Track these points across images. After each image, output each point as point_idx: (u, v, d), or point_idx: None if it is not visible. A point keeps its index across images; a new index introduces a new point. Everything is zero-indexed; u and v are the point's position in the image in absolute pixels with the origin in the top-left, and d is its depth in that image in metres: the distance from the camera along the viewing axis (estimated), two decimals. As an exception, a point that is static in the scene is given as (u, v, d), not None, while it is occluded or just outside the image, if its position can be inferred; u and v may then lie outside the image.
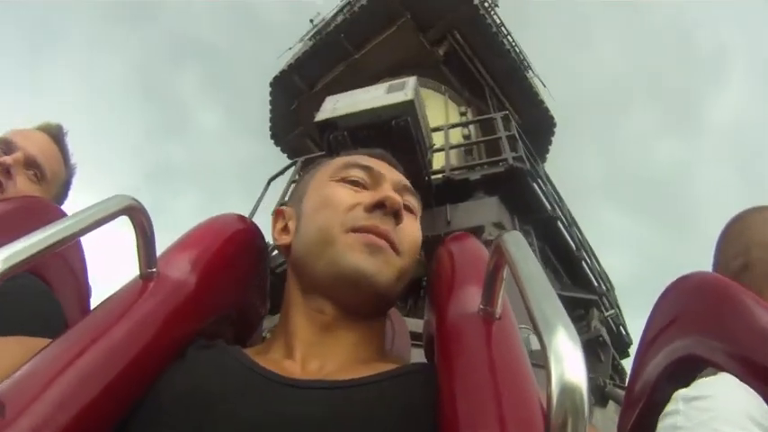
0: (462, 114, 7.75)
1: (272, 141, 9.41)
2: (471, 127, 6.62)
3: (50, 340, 0.61)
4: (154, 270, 0.70)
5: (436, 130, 5.37)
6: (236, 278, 0.85)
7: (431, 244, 0.92)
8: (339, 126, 4.04)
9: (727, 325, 0.71)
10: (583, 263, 5.08)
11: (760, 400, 0.67)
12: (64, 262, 1.05)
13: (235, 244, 0.87)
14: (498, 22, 9.75)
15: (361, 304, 0.77)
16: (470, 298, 0.67)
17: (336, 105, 4.19)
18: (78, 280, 1.08)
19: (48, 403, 0.51)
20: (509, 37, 9.73)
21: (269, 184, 5.76)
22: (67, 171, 1.41)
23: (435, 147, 4.87)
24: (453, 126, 5.90)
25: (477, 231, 4.09)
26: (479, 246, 0.85)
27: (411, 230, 0.83)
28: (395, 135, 3.95)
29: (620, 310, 5.55)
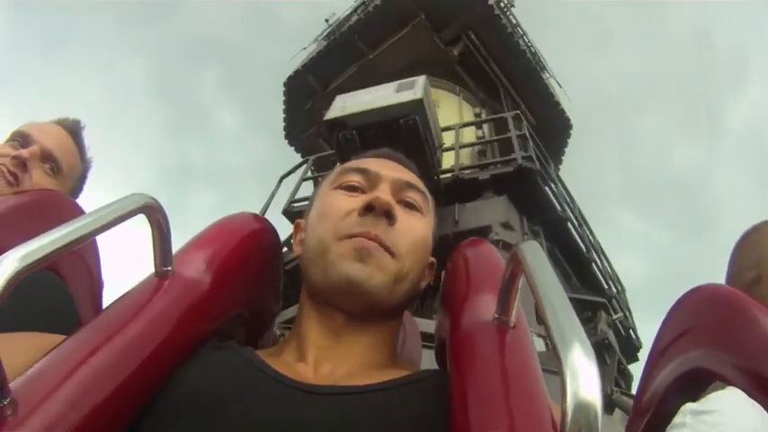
0: (477, 116, 7.76)
1: (286, 141, 9.54)
2: (486, 128, 6.65)
3: (64, 336, 0.61)
4: (169, 268, 0.70)
5: (447, 129, 5.41)
6: (250, 277, 0.85)
7: (438, 244, 0.92)
8: (348, 125, 4.09)
9: (738, 339, 0.71)
10: (593, 264, 5.04)
11: (767, 415, 0.67)
12: (78, 256, 1.05)
13: (249, 243, 0.87)
14: (514, 22, 9.69)
15: (362, 311, 0.77)
16: (485, 306, 0.67)
17: (346, 104, 4.24)
18: (92, 274, 1.09)
19: (60, 401, 0.51)
20: (525, 37, 9.64)
21: (280, 182, 5.84)
22: (83, 165, 1.41)
23: (445, 146, 4.92)
24: (464, 125, 5.91)
25: (484, 231, 4.11)
26: (495, 252, 0.84)
27: (410, 229, 0.81)
28: (403, 134, 3.99)
29: (630, 312, 5.51)
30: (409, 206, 0.84)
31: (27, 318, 0.75)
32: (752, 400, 0.68)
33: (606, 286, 5.10)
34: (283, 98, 9.28)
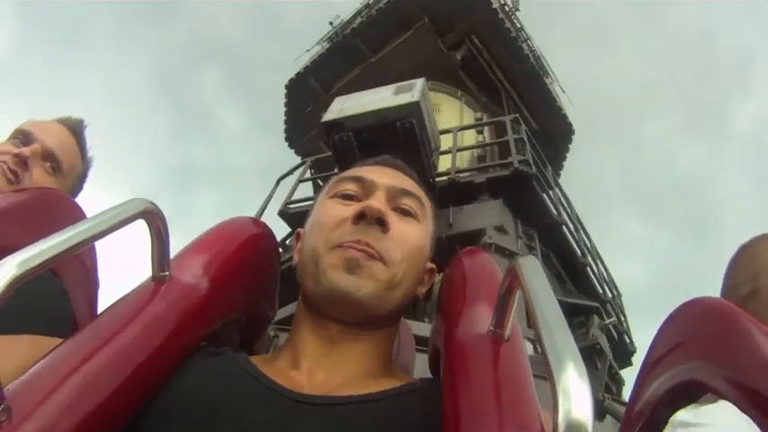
0: (478, 120, 7.82)
1: (287, 144, 9.58)
2: (487, 132, 6.71)
3: (60, 339, 0.62)
4: (166, 273, 0.70)
5: (446, 132, 5.47)
6: (247, 282, 0.85)
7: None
8: (345, 127, 4.12)
9: (731, 353, 0.71)
10: (588, 269, 5.06)
11: (758, 431, 0.67)
12: (75, 255, 1.09)
13: (247, 248, 0.87)
14: (518, 26, 9.74)
15: (354, 320, 0.77)
16: (480, 318, 0.67)
17: (344, 106, 4.28)
18: (88, 272, 1.08)
19: (55, 407, 0.51)
20: (529, 42, 9.65)
21: (278, 183, 5.85)
22: (84, 164, 1.41)
23: (442, 149, 4.98)
24: (462, 128, 5.94)
25: (478, 234, 4.14)
26: (492, 263, 0.85)
27: (404, 236, 0.81)
28: (400, 136, 4.03)
29: (625, 317, 5.53)
30: (405, 213, 0.84)
31: (22, 314, 0.75)
32: (742, 415, 0.68)
33: (601, 291, 5.11)
34: (284, 101, 9.31)
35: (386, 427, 0.61)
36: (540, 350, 0.43)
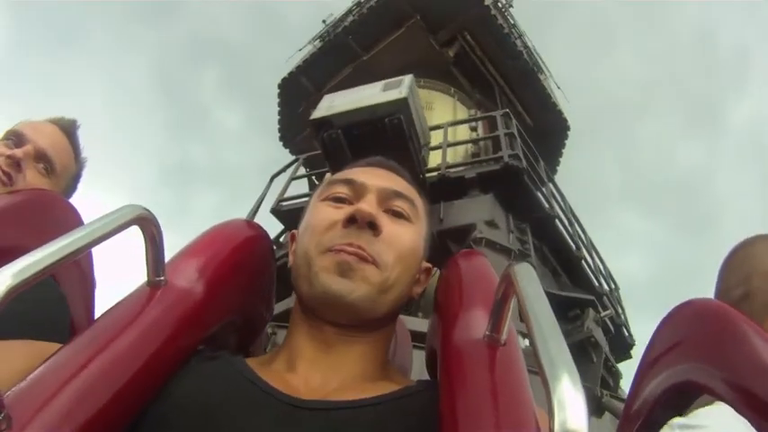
0: (478, 120, 7.84)
1: (281, 144, 9.58)
2: (480, 129, 6.73)
3: (57, 344, 0.62)
4: (162, 278, 0.71)
5: (437, 128, 5.51)
6: (243, 285, 0.85)
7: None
8: (334, 124, 4.14)
9: (727, 354, 0.71)
10: (583, 262, 5.10)
11: None
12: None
13: (243, 251, 0.87)
14: (511, 22, 9.76)
15: (349, 322, 0.77)
16: (477, 322, 0.68)
17: (333, 103, 4.30)
18: (84, 274, 1.09)
19: (54, 414, 0.52)
20: (522, 38, 9.65)
21: (271, 181, 5.88)
22: (77, 165, 1.40)
23: (433, 145, 5.01)
24: (452, 124, 5.95)
25: (468, 229, 4.17)
26: (488, 266, 0.85)
27: (396, 238, 0.81)
28: (388, 133, 4.07)
29: (623, 310, 5.57)
30: (397, 215, 0.84)
31: (21, 320, 0.76)
32: (739, 416, 0.69)
33: (597, 284, 5.15)
34: (278, 100, 9.31)
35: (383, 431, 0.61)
36: (534, 357, 0.44)
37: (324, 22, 9.88)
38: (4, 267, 0.46)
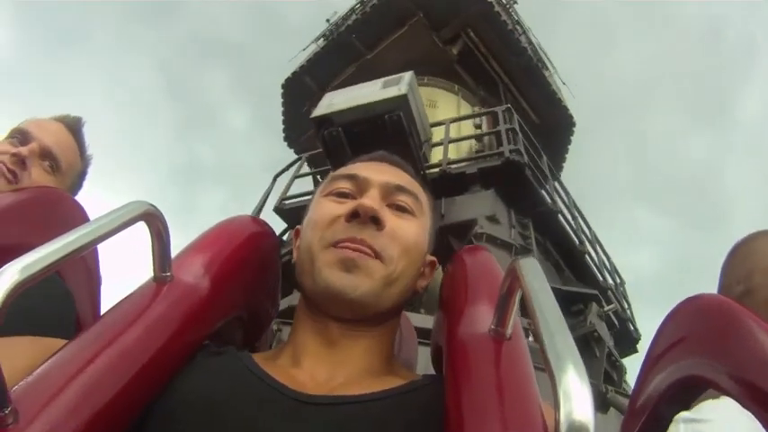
0: (479, 116, 7.84)
1: (286, 144, 9.56)
2: (485, 126, 6.73)
3: (63, 341, 0.62)
4: (168, 274, 0.71)
5: (439, 124, 5.51)
6: (248, 281, 0.86)
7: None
8: (334, 122, 4.15)
9: (732, 348, 0.71)
10: (586, 257, 5.08)
11: (760, 426, 0.67)
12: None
13: (248, 247, 0.88)
14: (515, 19, 9.72)
15: (353, 317, 0.77)
16: (482, 316, 0.68)
17: (333, 101, 4.32)
18: (90, 270, 1.09)
19: (61, 409, 0.52)
20: (526, 34, 9.57)
21: (275, 180, 5.90)
22: (83, 162, 1.41)
23: (434, 141, 5.03)
24: (454, 120, 5.94)
25: (469, 224, 4.17)
26: (493, 261, 0.85)
27: (400, 232, 0.80)
28: (388, 129, 4.08)
29: (629, 305, 5.54)
30: (400, 209, 0.84)
31: (28, 316, 0.75)
32: (745, 411, 0.69)
33: (601, 278, 5.12)
34: (282, 100, 9.30)
35: (389, 427, 0.61)
36: (540, 351, 0.44)
37: (327, 21, 9.88)
38: (10, 263, 0.47)
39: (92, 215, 1.03)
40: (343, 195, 0.85)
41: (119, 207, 0.61)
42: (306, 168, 6.21)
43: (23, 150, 1.24)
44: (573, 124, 9.64)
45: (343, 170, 0.92)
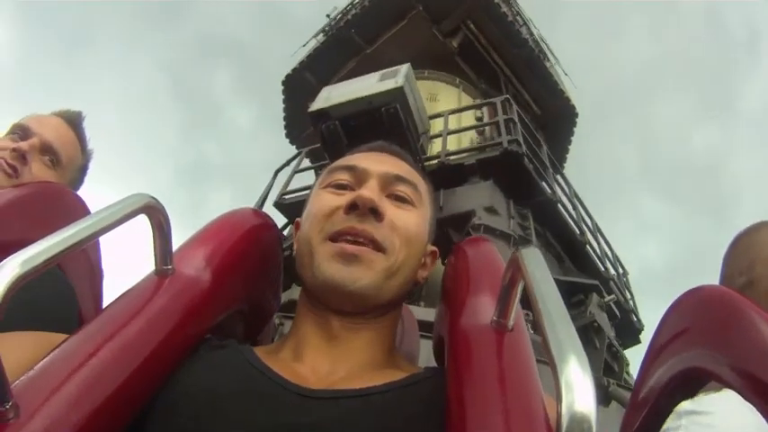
0: (478, 109, 7.83)
1: (288, 140, 9.49)
2: (486, 118, 6.72)
3: (65, 335, 0.62)
4: (169, 267, 0.71)
5: (437, 116, 5.52)
6: (250, 273, 0.86)
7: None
8: (332, 115, 4.19)
9: (734, 340, 0.71)
10: (587, 247, 5.08)
11: (761, 418, 0.67)
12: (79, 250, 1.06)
13: (249, 239, 0.87)
14: (515, 10, 9.68)
15: (354, 310, 0.77)
16: (484, 308, 0.68)
17: (330, 95, 4.35)
18: (92, 265, 1.09)
19: (62, 403, 0.52)
20: (527, 26, 9.52)
21: (275, 175, 5.92)
22: (84, 157, 1.41)
23: (433, 133, 5.04)
24: (453, 112, 5.94)
25: (467, 216, 4.18)
26: (495, 253, 0.85)
27: (400, 223, 0.80)
28: (385, 122, 4.11)
29: (632, 295, 5.55)
30: (400, 200, 0.83)
31: (30, 310, 0.76)
32: (746, 403, 0.69)
33: (603, 269, 5.11)
34: (282, 97, 9.28)
35: (391, 419, 0.61)
36: (542, 341, 0.44)
37: (328, 16, 9.88)
38: (12, 256, 0.47)
39: (93, 210, 1.03)
40: (341, 187, 0.84)
41: (120, 200, 0.61)
42: (306, 163, 6.22)
43: (24, 145, 1.24)
44: (575, 115, 9.59)
45: (341, 161, 0.91)
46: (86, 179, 1.47)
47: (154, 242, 0.68)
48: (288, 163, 6.09)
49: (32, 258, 0.47)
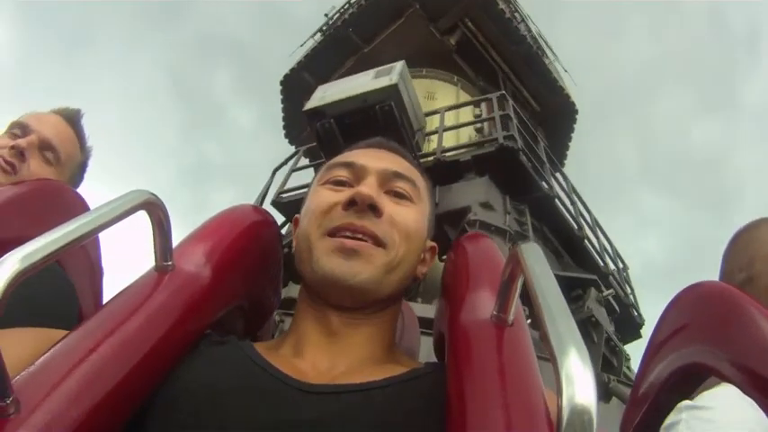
0: (476, 106, 7.84)
1: (287, 140, 9.49)
2: (485, 115, 6.74)
3: (65, 331, 0.62)
4: (169, 263, 0.71)
5: (433, 113, 5.52)
6: (249, 270, 0.86)
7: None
8: (327, 114, 4.21)
9: (734, 336, 0.71)
10: (586, 242, 5.09)
11: (761, 413, 0.68)
12: (79, 247, 1.03)
13: (249, 235, 0.88)
14: (513, 7, 9.67)
15: (353, 305, 0.77)
16: (484, 303, 0.68)
17: (325, 94, 4.36)
18: (92, 262, 1.10)
19: (62, 398, 0.51)
20: (525, 22, 9.48)
21: (274, 174, 5.95)
22: (83, 154, 1.41)
23: (430, 130, 5.06)
24: (449, 109, 5.96)
25: (463, 212, 4.19)
26: (494, 248, 0.85)
27: (399, 218, 0.80)
28: (380, 120, 4.13)
29: (632, 289, 5.56)
30: (399, 196, 0.83)
31: (29, 307, 0.75)
32: (747, 398, 0.69)
33: (602, 263, 5.13)
34: (281, 97, 9.29)
35: (391, 414, 0.61)
36: (542, 335, 0.44)
37: (326, 15, 9.88)
38: (11, 252, 0.46)
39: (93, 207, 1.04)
40: (340, 183, 0.84)
41: (119, 196, 0.61)
42: (304, 162, 6.24)
43: (22, 142, 1.24)
44: (575, 111, 9.58)
45: (339, 158, 0.91)
46: (88, 180, 1.47)
47: (154, 238, 0.68)
48: (285, 162, 6.09)
49: (32, 254, 0.47)
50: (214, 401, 0.61)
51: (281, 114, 9.48)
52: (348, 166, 0.86)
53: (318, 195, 0.84)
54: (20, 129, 1.28)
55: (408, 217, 0.82)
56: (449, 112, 5.83)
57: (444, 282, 0.86)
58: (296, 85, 9.02)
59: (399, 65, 4.42)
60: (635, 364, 4.17)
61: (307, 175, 6.09)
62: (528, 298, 0.52)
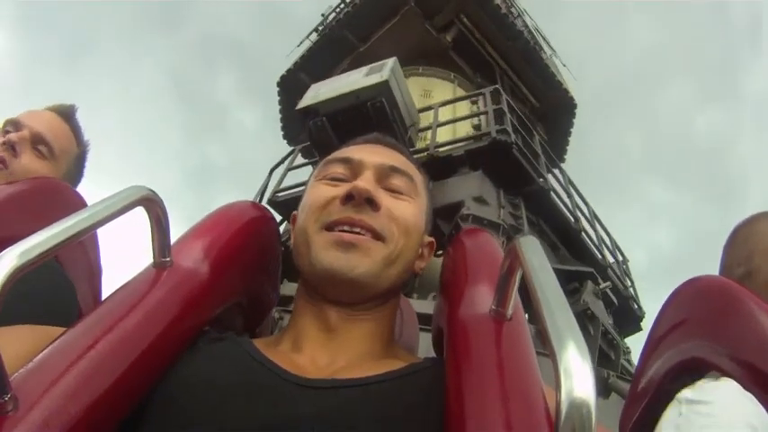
0: (473, 103, 7.85)
1: (285, 141, 9.52)
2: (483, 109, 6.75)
3: (63, 328, 0.62)
4: (168, 259, 0.70)
5: (427, 109, 5.52)
6: (248, 266, 0.86)
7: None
8: (319, 112, 4.27)
9: (733, 331, 0.72)
10: (583, 235, 5.09)
11: (761, 408, 0.68)
12: (78, 244, 1.03)
13: (247, 232, 0.88)
14: (509, 2, 9.64)
15: (351, 299, 0.77)
16: (482, 297, 0.68)
17: (318, 92, 4.40)
18: (90, 260, 1.10)
19: (60, 395, 0.51)
20: (522, 17, 9.45)
21: (270, 173, 5.96)
22: (80, 147, 1.41)
23: (424, 126, 5.08)
24: (443, 104, 5.94)
25: (456, 206, 4.19)
26: (493, 242, 0.86)
27: (396, 213, 0.80)
28: (372, 116, 4.18)
29: (632, 282, 5.57)
30: (396, 191, 0.84)
31: (28, 304, 0.75)
32: (746, 392, 0.69)
33: (600, 256, 5.13)
34: (278, 98, 9.25)
35: (390, 409, 0.61)
36: (541, 329, 0.44)
37: (323, 15, 9.88)
38: (8, 249, 0.46)
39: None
40: (337, 179, 0.85)
41: (117, 192, 0.61)
42: (301, 160, 6.27)
43: (13, 137, 1.24)
44: (574, 106, 9.56)
45: (336, 153, 0.91)
46: (92, 184, 1.48)
47: (152, 235, 0.68)
48: (282, 161, 6.10)
49: (30, 250, 0.47)
50: (213, 397, 0.61)
51: (279, 115, 9.47)
52: (345, 161, 0.87)
53: (316, 190, 0.84)
54: (12, 126, 1.28)
55: (406, 211, 0.82)
56: (444, 109, 5.83)
57: (443, 277, 0.86)
58: (293, 86, 8.98)
59: (390, 61, 4.45)
60: (635, 356, 4.16)
61: (303, 174, 6.12)
62: (527, 292, 0.52)
